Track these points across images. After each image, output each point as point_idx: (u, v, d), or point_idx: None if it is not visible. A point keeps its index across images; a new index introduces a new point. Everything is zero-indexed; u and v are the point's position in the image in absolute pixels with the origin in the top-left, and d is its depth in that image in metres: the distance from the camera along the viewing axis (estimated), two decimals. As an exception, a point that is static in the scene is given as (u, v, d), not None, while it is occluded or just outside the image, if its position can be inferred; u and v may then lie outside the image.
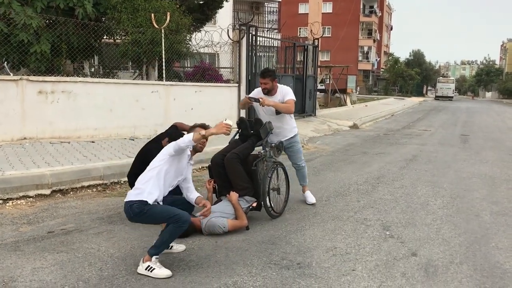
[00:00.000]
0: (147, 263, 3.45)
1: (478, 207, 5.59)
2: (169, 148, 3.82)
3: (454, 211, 5.41)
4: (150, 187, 3.63)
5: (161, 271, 3.42)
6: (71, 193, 5.69)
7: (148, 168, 3.80)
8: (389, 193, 6.18)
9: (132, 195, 3.64)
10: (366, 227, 4.72)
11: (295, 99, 5.18)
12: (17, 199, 5.24)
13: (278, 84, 5.24)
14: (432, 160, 8.96)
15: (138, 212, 3.55)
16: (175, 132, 4.86)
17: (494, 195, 6.26)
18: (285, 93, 5.18)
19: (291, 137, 5.36)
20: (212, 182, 4.90)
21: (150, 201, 3.58)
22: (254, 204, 4.71)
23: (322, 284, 3.37)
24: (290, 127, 5.35)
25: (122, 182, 6.17)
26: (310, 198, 5.57)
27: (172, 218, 3.51)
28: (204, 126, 3.98)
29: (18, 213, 4.85)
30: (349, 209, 5.35)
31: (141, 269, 3.46)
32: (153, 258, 3.47)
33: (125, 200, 3.66)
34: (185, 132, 5.08)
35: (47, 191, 5.50)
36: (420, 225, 4.83)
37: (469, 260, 3.91)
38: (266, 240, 4.25)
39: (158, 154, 3.86)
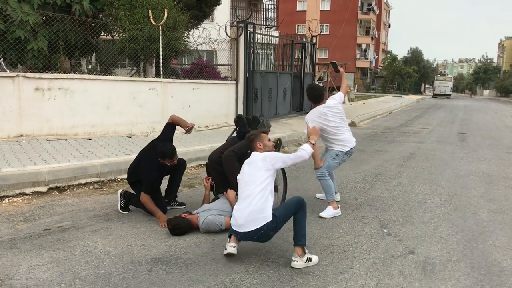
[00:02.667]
0: (306, 256, 3.62)
1: (476, 205, 5.60)
2: (282, 160, 3.82)
3: (451, 209, 5.41)
4: (269, 206, 3.66)
5: (315, 257, 3.71)
6: (67, 190, 5.67)
7: (256, 184, 3.69)
8: (387, 191, 6.18)
9: (257, 220, 3.57)
10: (364, 225, 4.72)
11: (310, 125, 4.99)
12: (13, 196, 5.22)
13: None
14: (429, 158, 8.97)
15: (274, 227, 3.63)
16: (165, 149, 4.70)
17: (492, 193, 6.27)
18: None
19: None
20: (210, 179, 4.89)
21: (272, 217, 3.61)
22: (252, 202, 4.69)
23: (320, 282, 3.36)
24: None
25: (119, 179, 6.16)
26: (324, 212, 4.99)
27: (297, 206, 3.67)
28: (265, 132, 4.14)
29: (14, 211, 4.83)
30: (347, 207, 5.34)
31: (301, 263, 3.59)
32: (305, 250, 3.66)
33: (251, 229, 3.56)
34: (181, 129, 5.07)
35: (44, 189, 5.48)
36: (417, 223, 4.83)
37: (467, 258, 3.91)
38: (263, 237, 4.24)
39: (260, 164, 3.79)
